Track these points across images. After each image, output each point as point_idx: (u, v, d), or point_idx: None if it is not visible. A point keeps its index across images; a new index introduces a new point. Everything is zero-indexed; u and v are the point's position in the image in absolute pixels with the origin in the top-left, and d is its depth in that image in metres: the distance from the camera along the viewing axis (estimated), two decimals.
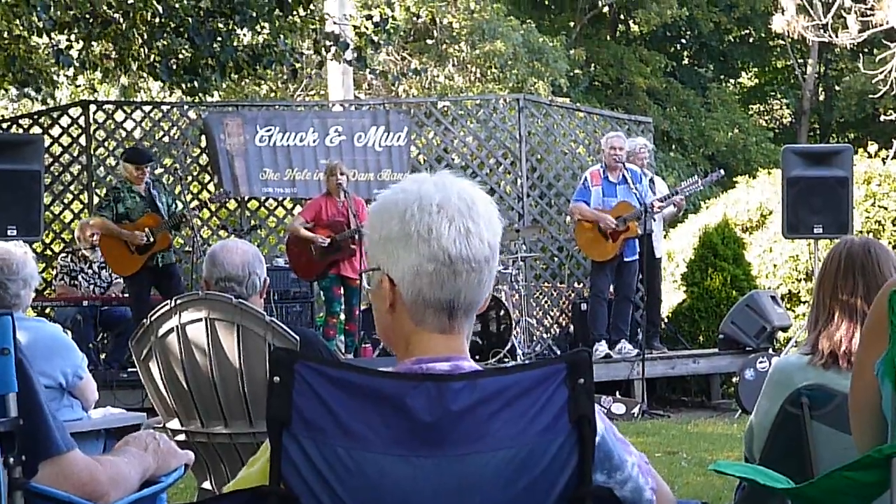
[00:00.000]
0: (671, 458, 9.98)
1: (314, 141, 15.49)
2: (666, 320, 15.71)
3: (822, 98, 36.28)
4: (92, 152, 15.32)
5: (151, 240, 12.39)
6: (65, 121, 15.40)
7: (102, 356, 13.37)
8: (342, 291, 13.01)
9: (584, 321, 14.54)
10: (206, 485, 5.66)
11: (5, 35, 13.50)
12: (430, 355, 2.51)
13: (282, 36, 13.55)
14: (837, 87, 35.25)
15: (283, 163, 15.38)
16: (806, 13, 19.25)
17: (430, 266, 2.48)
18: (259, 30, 13.70)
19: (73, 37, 13.15)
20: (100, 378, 8.06)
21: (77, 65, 13.51)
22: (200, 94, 13.85)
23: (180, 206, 12.92)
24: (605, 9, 33.59)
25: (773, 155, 27.13)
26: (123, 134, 15.70)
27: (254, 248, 5.61)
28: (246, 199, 15.29)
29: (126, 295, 13.36)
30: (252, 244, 5.79)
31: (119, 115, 15.70)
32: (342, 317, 13.29)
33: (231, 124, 15.24)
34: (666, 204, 13.59)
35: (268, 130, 15.34)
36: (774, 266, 15.93)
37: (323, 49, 13.98)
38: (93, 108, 15.61)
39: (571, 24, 32.67)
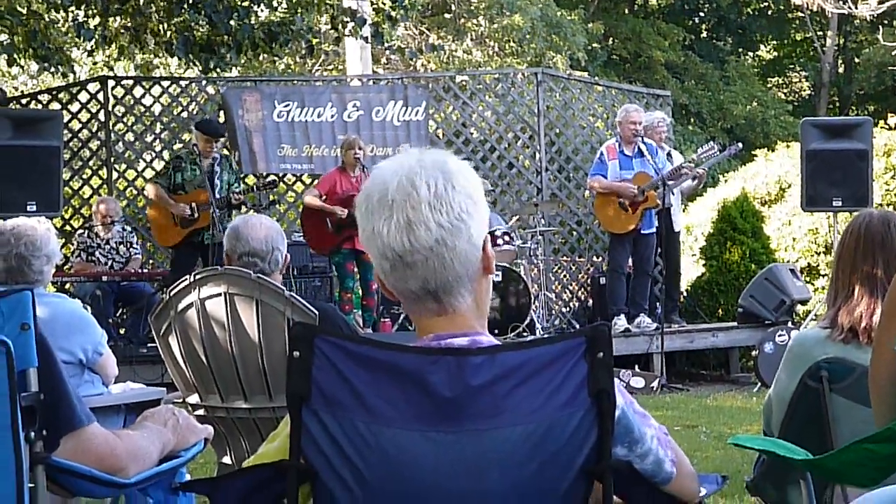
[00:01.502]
0: (690, 432, 9.98)
1: (332, 116, 15.46)
2: (685, 294, 15.70)
3: (841, 70, 36.16)
4: (111, 128, 15.32)
5: (196, 216, 12.46)
6: (83, 96, 15.40)
7: (122, 331, 13.41)
8: (355, 267, 13.01)
9: (602, 295, 14.52)
10: (226, 459, 5.68)
11: (25, 10, 13.51)
12: (447, 331, 2.51)
13: (299, 13, 13.52)
14: (857, 60, 35.14)
15: (301, 139, 15.35)
16: None
17: (386, 264, 2.51)
18: (276, 5, 13.68)
19: (90, 12, 13.14)
20: (119, 353, 8.09)
21: (97, 37, 13.52)
22: (217, 71, 13.84)
23: (243, 187, 12.96)
24: None
25: (792, 128, 27.07)
26: (142, 109, 15.70)
27: (276, 224, 5.61)
28: (265, 175, 15.29)
29: (145, 270, 13.41)
30: (272, 219, 5.79)
31: (137, 91, 15.69)
32: (359, 291, 13.30)
33: (249, 100, 15.23)
34: (683, 178, 13.51)
35: (286, 106, 15.32)
36: (793, 239, 15.90)
37: (340, 25, 13.96)
38: (111, 83, 15.60)
39: None
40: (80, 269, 13.18)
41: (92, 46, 14.58)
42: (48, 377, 3.33)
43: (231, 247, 5.47)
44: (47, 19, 13.89)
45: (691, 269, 16.12)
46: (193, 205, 12.46)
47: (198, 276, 5.41)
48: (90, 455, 3.44)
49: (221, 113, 15.43)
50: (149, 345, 11.92)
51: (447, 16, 26.14)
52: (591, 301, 15.61)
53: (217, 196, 12.48)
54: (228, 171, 12.88)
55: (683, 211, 15.94)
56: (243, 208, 13.41)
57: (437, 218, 2.46)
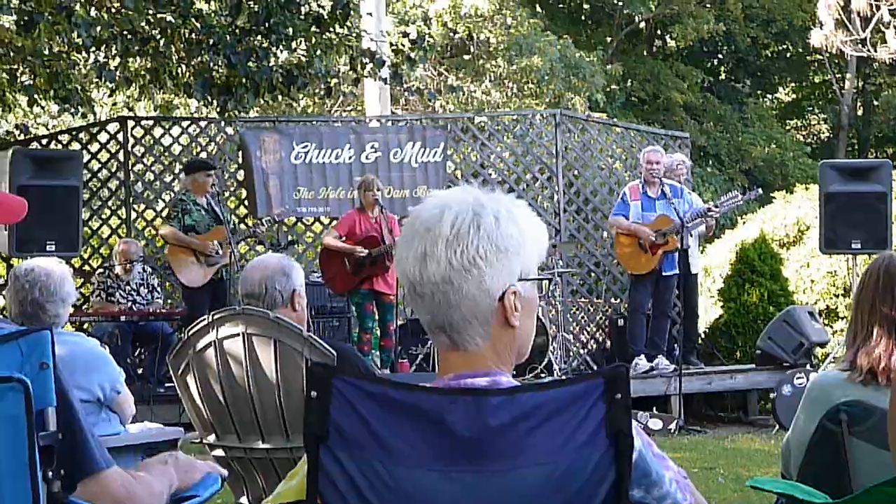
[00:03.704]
0: (708, 474, 9.95)
1: (350, 157, 15.45)
2: (703, 336, 15.66)
3: (860, 113, 36.11)
4: (130, 168, 15.36)
5: (220, 252, 12.49)
6: (103, 136, 15.44)
7: (140, 371, 13.41)
8: (374, 307, 13.04)
9: (620, 336, 14.51)
10: (244, 500, 5.68)
11: (46, 52, 13.59)
12: (467, 371, 2.51)
13: (318, 55, 13.56)
14: (876, 102, 35.11)
15: (318, 181, 15.34)
16: (844, 28, 19.20)
17: (407, 291, 2.57)
18: (295, 47, 13.73)
19: (110, 53, 13.22)
20: (137, 393, 8.10)
21: (119, 79, 13.60)
22: (235, 113, 13.89)
23: (236, 221, 13.08)
24: (642, 24, 33.60)
25: (811, 170, 27.05)
26: (161, 149, 15.75)
27: (281, 263, 5.54)
28: (279, 219, 15.31)
29: (163, 310, 13.41)
30: (289, 258, 5.79)
31: (157, 131, 15.75)
32: (377, 332, 13.31)
33: (268, 141, 15.23)
34: (698, 221, 13.47)
35: (304, 147, 15.31)
36: (812, 282, 15.86)
37: (359, 66, 14.00)
38: (131, 123, 15.65)
39: (608, 39, 32.65)
40: (99, 309, 13.20)
41: (112, 87, 14.65)
42: (66, 418, 3.33)
43: (240, 289, 5.53)
44: (69, 61, 13.96)
45: (709, 310, 16.09)
46: (216, 242, 12.49)
47: (216, 316, 5.43)
48: (108, 500, 3.44)
49: (240, 154, 15.47)
50: (167, 384, 11.93)
51: (466, 57, 26.19)
52: (609, 342, 15.58)
53: (232, 229, 12.58)
54: (224, 207, 13.01)
55: (701, 252, 15.92)
56: (261, 248, 13.46)
57: (448, 255, 2.47)
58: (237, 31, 12.87)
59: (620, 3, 31.23)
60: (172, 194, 15.53)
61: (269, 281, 5.43)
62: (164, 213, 14.44)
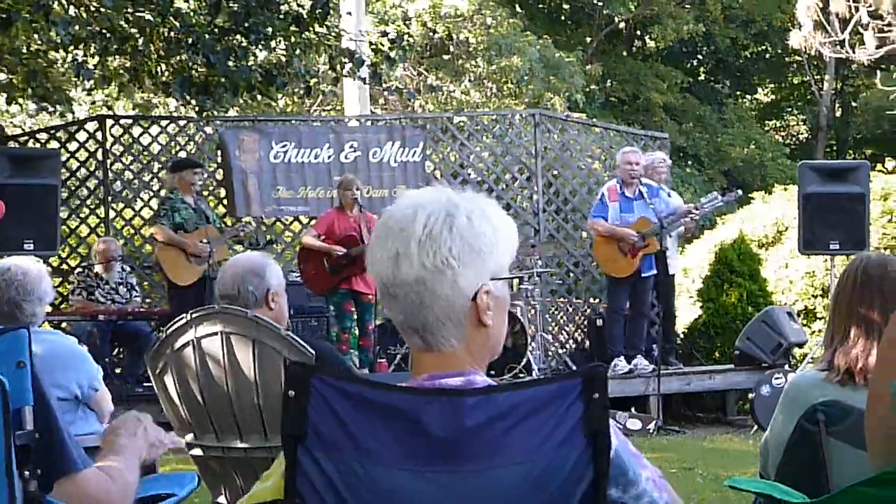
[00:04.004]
0: (687, 474, 9.96)
1: (329, 157, 15.43)
2: (681, 336, 15.67)
3: (838, 114, 36.25)
4: (109, 167, 15.31)
5: (210, 251, 12.48)
6: (82, 135, 15.39)
7: (118, 370, 13.37)
8: (353, 307, 13.02)
9: (599, 336, 14.50)
10: (221, 499, 5.66)
11: (24, 50, 13.55)
12: (442, 371, 2.51)
13: (297, 54, 13.55)
14: (854, 104, 35.25)
15: (297, 180, 15.31)
16: (823, 29, 19.26)
17: (379, 291, 2.54)
18: (274, 46, 13.72)
19: (89, 51, 13.18)
20: (115, 392, 8.07)
21: (97, 77, 13.57)
22: (213, 112, 13.86)
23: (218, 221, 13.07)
24: (622, 25, 33.65)
25: (790, 171, 27.12)
26: (140, 148, 15.69)
27: (253, 263, 5.47)
28: (260, 218, 15.27)
29: (142, 309, 13.38)
30: (263, 257, 5.73)
31: (136, 130, 15.69)
32: (356, 332, 13.29)
33: (247, 140, 15.19)
34: (678, 223, 13.47)
35: (283, 146, 15.28)
36: (790, 282, 15.89)
37: (338, 65, 13.99)
38: (109, 122, 15.60)
39: (588, 39, 32.71)
40: (79, 308, 13.16)
41: (91, 85, 14.61)
42: (43, 417, 3.32)
43: (217, 290, 5.51)
44: (47, 59, 13.93)
45: (688, 311, 16.10)
46: (205, 241, 12.49)
47: (194, 315, 5.40)
48: (85, 500, 3.42)
49: (219, 153, 15.43)
50: (145, 383, 11.90)
51: (445, 57, 26.19)
52: (587, 342, 15.58)
53: (220, 229, 12.59)
54: (208, 206, 13.02)
55: (681, 253, 15.93)
56: (240, 247, 13.44)
57: (421, 256, 2.46)
58: (216, 30, 12.86)
59: (600, 4, 31.30)
60: (151, 193, 15.52)
61: (241, 283, 5.40)
62: (147, 213, 14.43)
